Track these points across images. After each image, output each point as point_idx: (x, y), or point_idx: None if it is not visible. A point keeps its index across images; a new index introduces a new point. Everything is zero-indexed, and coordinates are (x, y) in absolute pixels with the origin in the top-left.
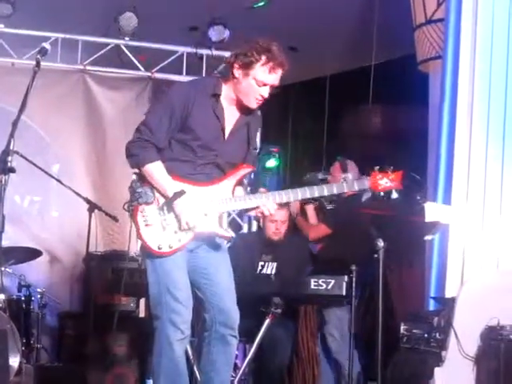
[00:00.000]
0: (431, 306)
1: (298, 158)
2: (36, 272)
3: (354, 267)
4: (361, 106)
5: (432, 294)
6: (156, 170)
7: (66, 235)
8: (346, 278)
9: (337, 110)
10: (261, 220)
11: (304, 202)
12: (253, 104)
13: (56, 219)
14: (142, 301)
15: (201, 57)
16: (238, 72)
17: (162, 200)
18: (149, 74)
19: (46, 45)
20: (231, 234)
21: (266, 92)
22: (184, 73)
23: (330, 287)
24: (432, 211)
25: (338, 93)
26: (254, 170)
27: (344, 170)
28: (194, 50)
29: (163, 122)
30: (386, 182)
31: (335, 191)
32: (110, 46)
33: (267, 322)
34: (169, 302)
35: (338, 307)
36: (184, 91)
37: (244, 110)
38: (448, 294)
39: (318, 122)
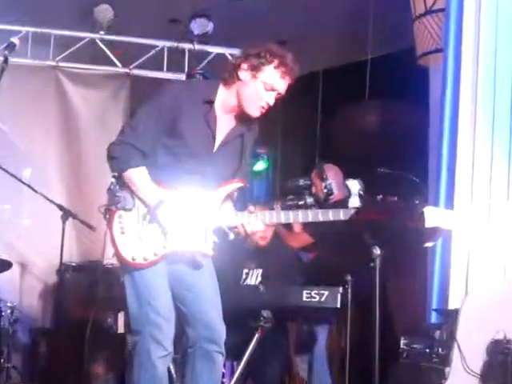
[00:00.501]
0: (433, 318)
1: (289, 160)
2: (6, 285)
3: (348, 277)
4: (356, 103)
5: (434, 306)
6: (139, 175)
7: (38, 245)
8: (340, 289)
9: (330, 107)
10: None
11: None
12: (255, 111)
13: (27, 228)
14: (121, 315)
15: (183, 51)
16: (245, 74)
17: (142, 208)
18: (126, 70)
19: (15, 39)
20: (212, 251)
21: (271, 98)
22: (165, 69)
23: (323, 299)
24: (433, 216)
25: (332, 89)
26: (245, 187)
27: (323, 179)
28: (176, 45)
29: (149, 123)
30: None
31: (331, 217)
32: (84, 41)
33: (256, 337)
34: (149, 315)
35: (319, 323)
36: (175, 92)
37: (241, 119)
38: (451, 306)
39: (310, 121)
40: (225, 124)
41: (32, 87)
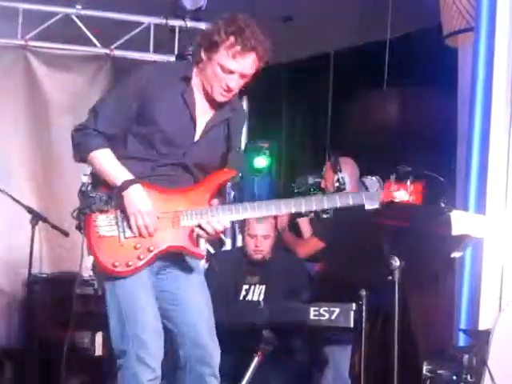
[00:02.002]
0: (461, 339)
1: (295, 155)
2: None
3: (363, 292)
4: (373, 89)
5: (462, 326)
6: (103, 156)
7: (2, 253)
8: (353, 305)
9: (343, 94)
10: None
11: (297, 215)
12: (218, 96)
13: None
14: (99, 335)
15: (172, 29)
16: (203, 55)
17: (120, 207)
18: (107, 50)
19: None
20: (204, 252)
21: (233, 82)
22: (151, 49)
23: (333, 317)
24: (461, 222)
25: (345, 73)
26: (236, 176)
27: (336, 170)
28: (164, 22)
29: (113, 106)
30: (405, 194)
31: (325, 205)
32: (57, 17)
33: (256, 360)
34: (134, 333)
35: (337, 345)
36: (147, 72)
37: (221, 102)
38: (482, 326)
39: (319, 110)
40: (206, 106)
41: None
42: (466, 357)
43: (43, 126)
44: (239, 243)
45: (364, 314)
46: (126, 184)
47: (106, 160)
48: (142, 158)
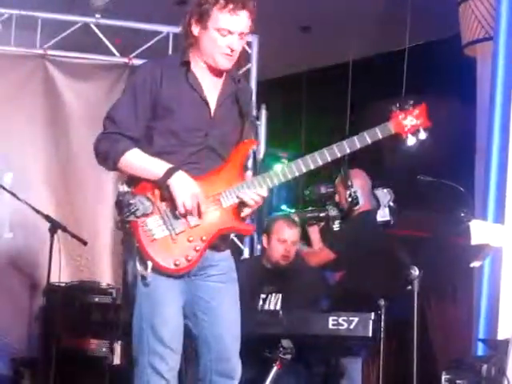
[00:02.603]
0: (479, 350)
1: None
2: None
3: (382, 302)
4: (391, 99)
5: (480, 335)
6: (136, 156)
7: (22, 262)
8: (372, 315)
9: (361, 104)
10: (264, 239)
11: (307, 224)
12: (223, 62)
13: (10, 242)
14: (118, 344)
15: None
16: (196, 30)
17: (162, 206)
18: (125, 60)
19: None
20: (252, 226)
21: (234, 42)
22: None
23: (352, 327)
24: (480, 231)
25: (363, 83)
26: (257, 144)
27: (347, 186)
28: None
29: (127, 109)
30: (412, 120)
31: (357, 145)
32: (76, 26)
33: (274, 370)
34: (151, 343)
35: (351, 356)
36: (148, 70)
37: (225, 76)
38: (501, 335)
39: (337, 119)
40: (211, 86)
41: (16, 79)
42: (484, 367)
43: (62, 134)
44: (257, 252)
45: (382, 323)
46: (170, 172)
47: (139, 158)
48: (169, 151)
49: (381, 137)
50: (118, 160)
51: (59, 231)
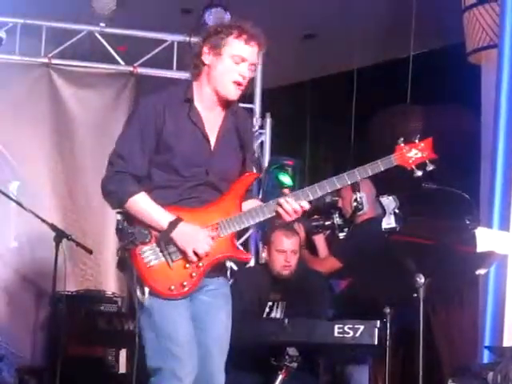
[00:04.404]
0: (485, 357)
1: (318, 171)
2: None
3: (387, 310)
4: (396, 106)
5: (486, 343)
6: (141, 202)
7: (27, 271)
8: (378, 323)
9: (366, 111)
10: (265, 251)
11: (312, 232)
12: (232, 91)
13: (15, 251)
14: (123, 352)
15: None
16: (209, 58)
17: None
18: (130, 68)
19: (1, 32)
20: (249, 254)
21: (245, 70)
22: (174, 67)
23: (358, 335)
24: (485, 239)
25: (368, 90)
26: (259, 177)
27: (355, 190)
28: (187, 39)
29: (135, 145)
30: (416, 153)
31: (354, 179)
32: (81, 34)
33: (280, 378)
34: (170, 349)
35: (357, 364)
36: (151, 104)
37: (225, 110)
38: (506, 343)
39: (343, 127)
40: (212, 120)
41: (20, 88)
42: (490, 374)
43: (67, 143)
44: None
45: (388, 331)
46: (172, 226)
47: (145, 204)
48: (169, 185)
49: (383, 169)
50: (126, 202)
51: (64, 240)
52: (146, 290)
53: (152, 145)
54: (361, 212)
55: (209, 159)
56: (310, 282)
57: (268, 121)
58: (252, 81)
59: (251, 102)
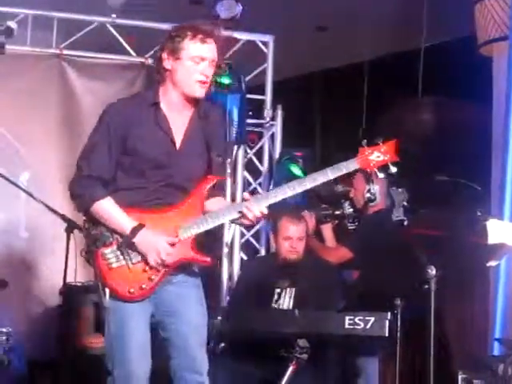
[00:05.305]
0: (496, 349)
1: (329, 163)
2: (0, 308)
3: (398, 301)
4: (407, 99)
5: (497, 335)
6: (106, 207)
7: (38, 261)
8: (388, 315)
9: (377, 103)
10: (272, 240)
11: (320, 222)
12: (197, 90)
13: (25, 241)
14: None
15: None
16: (169, 63)
17: (120, 238)
18: (141, 59)
19: (12, 24)
20: (208, 257)
21: (206, 69)
22: None
23: (368, 326)
24: (497, 230)
25: (379, 83)
26: (222, 181)
27: (369, 181)
28: None
29: (101, 150)
30: (378, 156)
31: (319, 181)
32: (92, 26)
33: (290, 369)
34: (123, 351)
35: (368, 356)
36: (118, 108)
37: (193, 111)
38: None
39: (353, 120)
40: (179, 122)
41: (31, 79)
42: (501, 366)
43: (77, 134)
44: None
45: (399, 323)
46: (134, 232)
47: (109, 209)
48: (133, 187)
49: (345, 172)
50: (91, 206)
51: (75, 231)
52: (107, 290)
53: (118, 148)
54: (373, 203)
55: (174, 161)
56: (322, 274)
57: (279, 112)
58: (263, 72)
59: (262, 93)
